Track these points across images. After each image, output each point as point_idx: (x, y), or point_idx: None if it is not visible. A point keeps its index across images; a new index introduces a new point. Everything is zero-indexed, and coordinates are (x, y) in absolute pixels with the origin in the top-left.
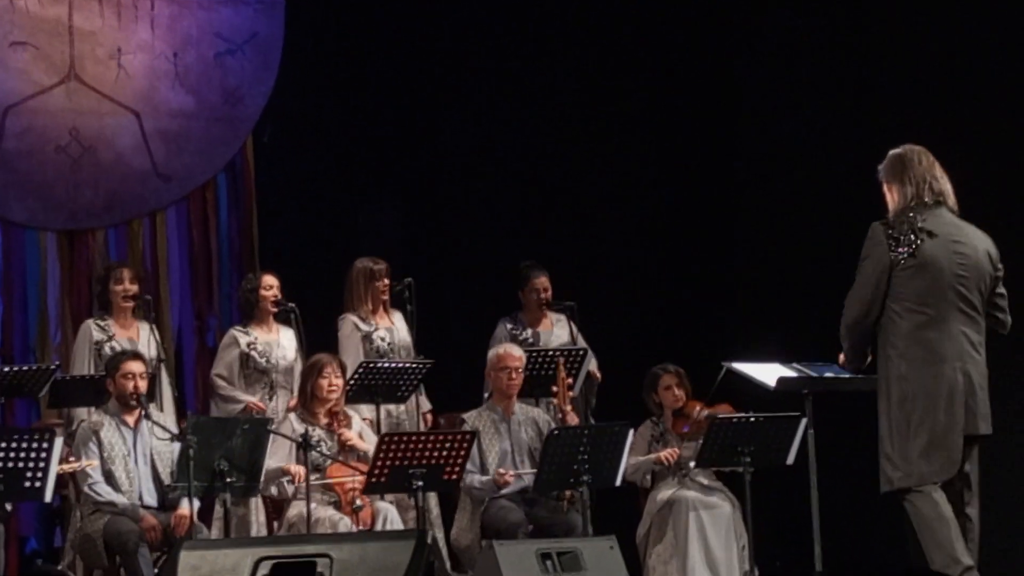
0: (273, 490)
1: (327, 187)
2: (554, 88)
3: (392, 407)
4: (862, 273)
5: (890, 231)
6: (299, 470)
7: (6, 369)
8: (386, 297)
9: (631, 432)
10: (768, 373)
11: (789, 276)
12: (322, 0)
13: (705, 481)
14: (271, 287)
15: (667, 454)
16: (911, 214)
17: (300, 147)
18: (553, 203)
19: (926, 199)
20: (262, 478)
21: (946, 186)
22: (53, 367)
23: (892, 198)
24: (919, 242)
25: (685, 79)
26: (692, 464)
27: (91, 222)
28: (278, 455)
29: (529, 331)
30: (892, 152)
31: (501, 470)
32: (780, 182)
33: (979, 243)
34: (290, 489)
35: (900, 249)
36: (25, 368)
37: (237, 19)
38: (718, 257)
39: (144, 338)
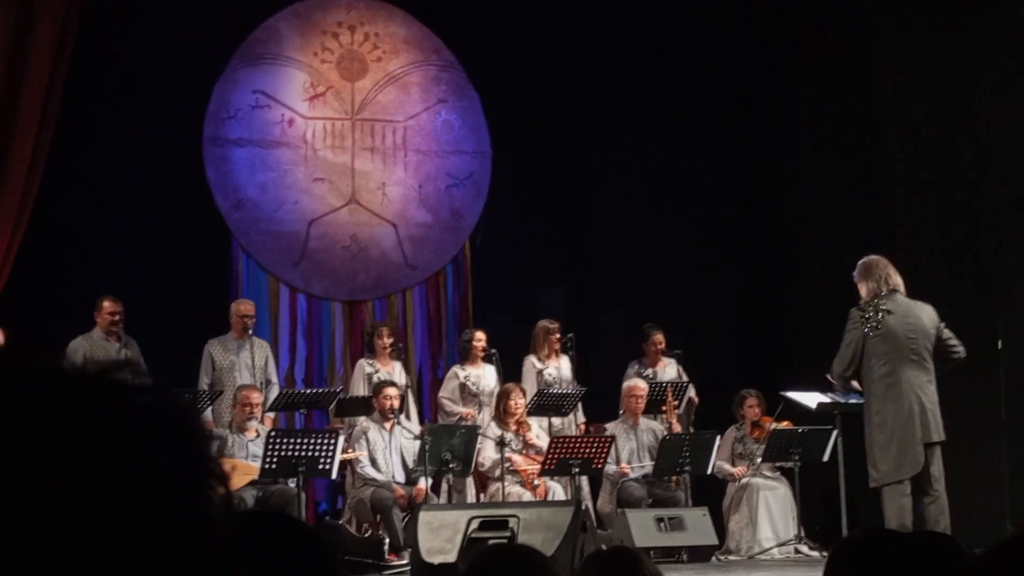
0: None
1: (516, 273)
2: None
3: (557, 419)
4: (845, 342)
5: (862, 313)
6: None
7: (308, 391)
8: (557, 346)
9: (719, 437)
10: (811, 399)
11: (826, 326)
12: (518, 154)
13: (768, 472)
14: (480, 339)
15: (738, 471)
16: (876, 300)
17: (502, 247)
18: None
19: (883, 291)
20: (473, 465)
21: (898, 280)
22: (338, 390)
23: (863, 290)
24: (881, 318)
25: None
26: (759, 460)
27: (364, 296)
28: (486, 450)
29: (649, 370)
30: (860, 261)
31: (623, 465)
32: None
33: (923, 315)
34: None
35: (870, 325)
36: (320, 391)
37: (461, 163)
38: (779, 311)
39: (397, 371)
